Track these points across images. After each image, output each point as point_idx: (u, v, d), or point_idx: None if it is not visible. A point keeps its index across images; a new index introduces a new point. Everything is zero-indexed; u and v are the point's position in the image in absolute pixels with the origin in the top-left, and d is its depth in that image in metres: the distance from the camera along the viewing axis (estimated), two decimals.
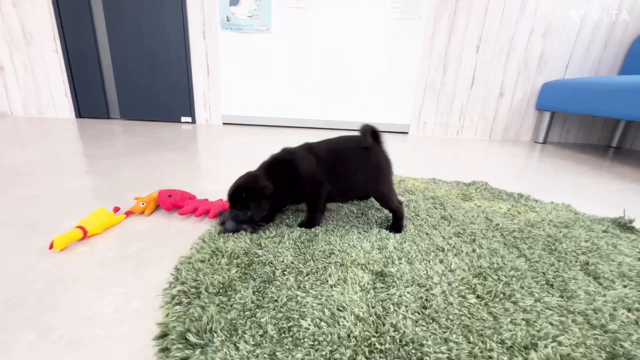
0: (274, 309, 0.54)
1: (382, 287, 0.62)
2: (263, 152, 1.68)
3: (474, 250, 0.77)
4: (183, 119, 2.88)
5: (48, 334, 0.49)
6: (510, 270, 0.69)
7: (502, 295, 0.61)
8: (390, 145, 2.22)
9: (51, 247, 0.70)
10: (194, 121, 2.89)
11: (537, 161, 2.00)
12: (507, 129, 2.86)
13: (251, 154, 1.73)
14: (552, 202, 1.14)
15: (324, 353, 0.46)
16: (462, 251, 0.76)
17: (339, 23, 2.61)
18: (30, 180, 1.18)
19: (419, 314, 0.55)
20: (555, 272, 0.70)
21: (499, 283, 0.64)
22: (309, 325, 0.51)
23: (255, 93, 2.80)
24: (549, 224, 0.94)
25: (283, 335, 0.49)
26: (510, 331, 0.51)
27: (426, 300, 0.58)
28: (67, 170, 1.33)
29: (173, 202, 0.92)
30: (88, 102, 2.85)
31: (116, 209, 0.92)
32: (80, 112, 2.87)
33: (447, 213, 0.99)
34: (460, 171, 1.60)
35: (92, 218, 0.79)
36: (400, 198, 0.96)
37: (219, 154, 1.76)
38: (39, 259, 0.69)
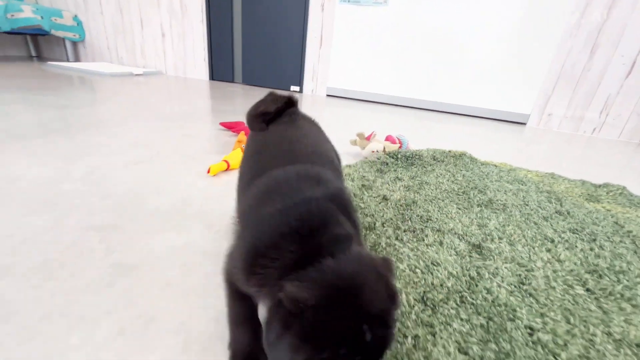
0: (374, 252, 0.62)
1: (478, 257, 0.64)
2: (359, 124, 1.74)
3: (591, 249, 0.70)
4: (292, 87, 3.14)
5: (211, 227, 0.68)
6: (637, 277, 0.62)
7: (619, 295, 0.56)
8: (500, 136, 2.02)
9: (208, 171, 0.92)
10: (301, 91, 3.12)
11: None
12: None
13: (348, 125, 1.81)
14: None
15: (418, 291, 0.52)
16: (576, 246, 0.71)
17: None
18: (184, 124, 1.51)
19: (515, 287, 0.56)
20: None
21: (618, 284, 0.59)
22: (405, 268, 0.57)
23: (362, 67, 2.84)
24: None
25: None
26: (622, 328, 0.49)
27: (525, 278, 0.58)
28: (208, 120, 1.64)
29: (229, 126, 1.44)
30: (219, 67, 3.34)
31: None
32: (212, 75, 3.40)
33: (563, 209, 0.90)
34: (591, 173, 1.37)
35: (233, 155, 1.00)
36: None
37: (322, 121, 1.90)
38: (198, 178, 0.91)
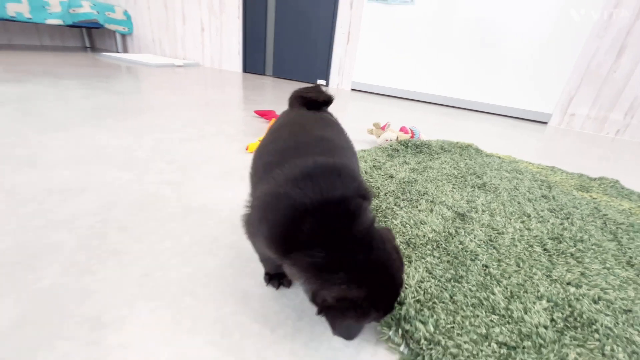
0: (376, 212, 0.80)
1: (460, 222, 0.79)
2: (380, 117, 1.90)
3: (562, 224, 0.84)
4: (319, 81, 3.31)
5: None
6: (593, 245, 0.75)
7: (569, 255, 0.70)
8: (519, 134, 2.09)
9: (247, 149, 1.12)
10: (327, 84, 3.28)
11: None
12: None
13: (369, 117, 1.96)
14: None
15: (405, 238, 0.69)
16: (548, 221, 0.84)
17: None
18: (223, 110, 1.73)
19: (483, 242, 0.71)
20: None
21: (572, 248, 0.73)
22: (397, 224, 0.74)
23: (386, 63, 2.95)
24: None
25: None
26: (561, 273, 0.63)
27: (494, 237, 0.73)
28: (243, 108, 1.86)
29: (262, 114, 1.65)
30: (252, 61, 3.57)
31: None
32: (245, 68, 3.63)
33: (550, 194, 1.02)
34: (596, 170, 1.45)
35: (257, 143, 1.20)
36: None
37: (345, 112, 2.07)
38: (239, 153, 1.12)
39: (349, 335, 0.40)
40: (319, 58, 3.22)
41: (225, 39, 3.58)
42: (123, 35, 4.08)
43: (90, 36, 4.30)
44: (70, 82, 1.96)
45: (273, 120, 1.42)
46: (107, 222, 0.66)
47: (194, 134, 1.27)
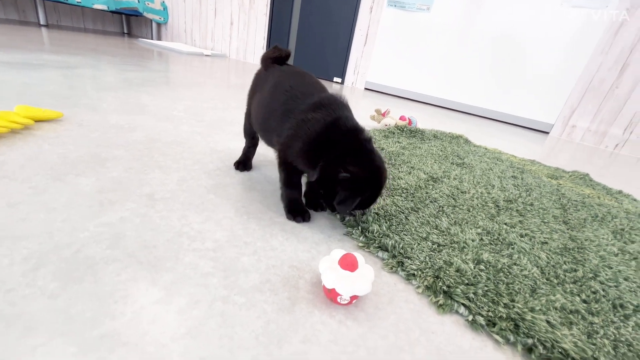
0: None
1: (432, 182, 0.96)
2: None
3: (520, 194, 0.99)
4: (335, 79, 3.51)
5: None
6: (539, 208, 0.91)
7: (515, 211, 0.86)
8: (518, 140, 2.22)
9: None
10: (342, 82, 3.47)
11: None
12: None
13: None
14: None
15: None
16: (508, 190, 1.00)
17: (503, 7, 2.59)
18: (244, 91, 1.94)
19: (446, 195, 0.88)
20: (581, 224, 0.87)
21: (519, 205, 0.88)
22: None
23: (399, 66, 3.13)
24: (624, 212, 1.02)
25: None
26: (502, 219, 0.79)
27: (456, 194, 0.90)
28: None
29: None
30: None
31: None
32: None
33: (520, 176, 1.17)
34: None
35: None
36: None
37: (357, 107, 2.25)
38: None
39: (345, 207, 0.58)
40: (336, 57, 3.42)
41: (252, 34, 3.83)
42: (158, 24, 4.40)
43: (129, 23, 4.64)
44: (114, 59, 2.21)
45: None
46: (152, 149, 0.87)
47: (219, 105, 1.48)
